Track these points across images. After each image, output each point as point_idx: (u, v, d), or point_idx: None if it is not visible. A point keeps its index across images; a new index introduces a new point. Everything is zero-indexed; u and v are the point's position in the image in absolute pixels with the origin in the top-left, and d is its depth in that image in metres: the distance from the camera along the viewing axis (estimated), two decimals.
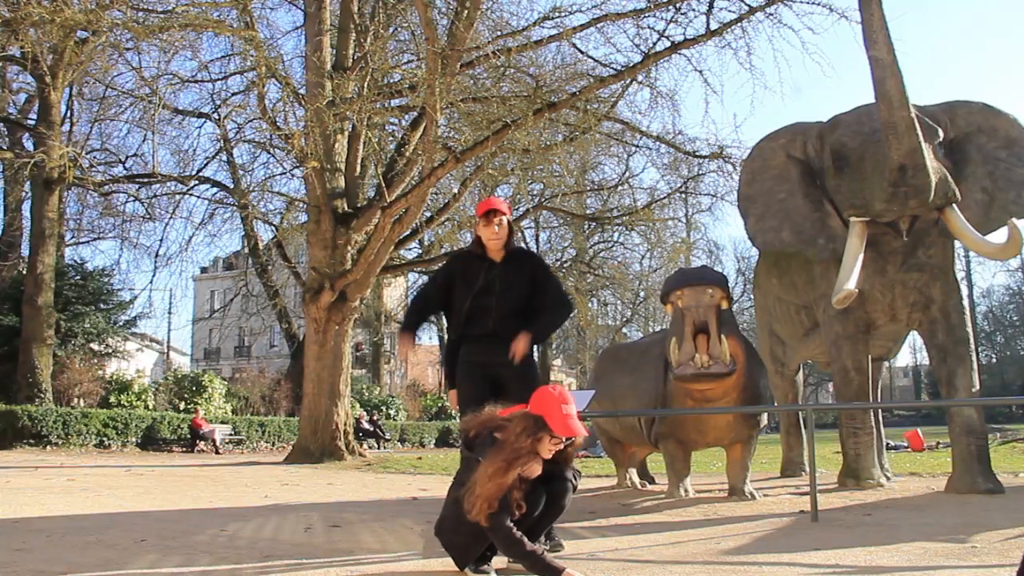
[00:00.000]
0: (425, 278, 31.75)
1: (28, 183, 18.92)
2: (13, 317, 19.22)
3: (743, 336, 6.37)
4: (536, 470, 3.01)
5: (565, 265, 24.79)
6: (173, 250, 19.92)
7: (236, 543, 4.19)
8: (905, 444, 15.03)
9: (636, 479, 7.87)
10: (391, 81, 13.71)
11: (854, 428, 6.87)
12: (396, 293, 33.20)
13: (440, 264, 22.34)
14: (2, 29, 12.20)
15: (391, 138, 16.28)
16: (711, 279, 5.96)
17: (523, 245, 19.13)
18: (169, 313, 36.58)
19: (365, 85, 11.90)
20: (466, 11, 10.69)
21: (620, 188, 19.47)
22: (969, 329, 6.64)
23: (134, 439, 17.79)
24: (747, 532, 4.51)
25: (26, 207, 20.58)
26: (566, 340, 36.43)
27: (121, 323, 23.75)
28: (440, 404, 28.44)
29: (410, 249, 19.82)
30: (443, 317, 4.09)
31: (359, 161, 14.82)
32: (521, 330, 3.78)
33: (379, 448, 20.59)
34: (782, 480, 8.38)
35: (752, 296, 10.53)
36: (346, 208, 14.09)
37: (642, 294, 28.05)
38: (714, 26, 10.86)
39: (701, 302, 5.74)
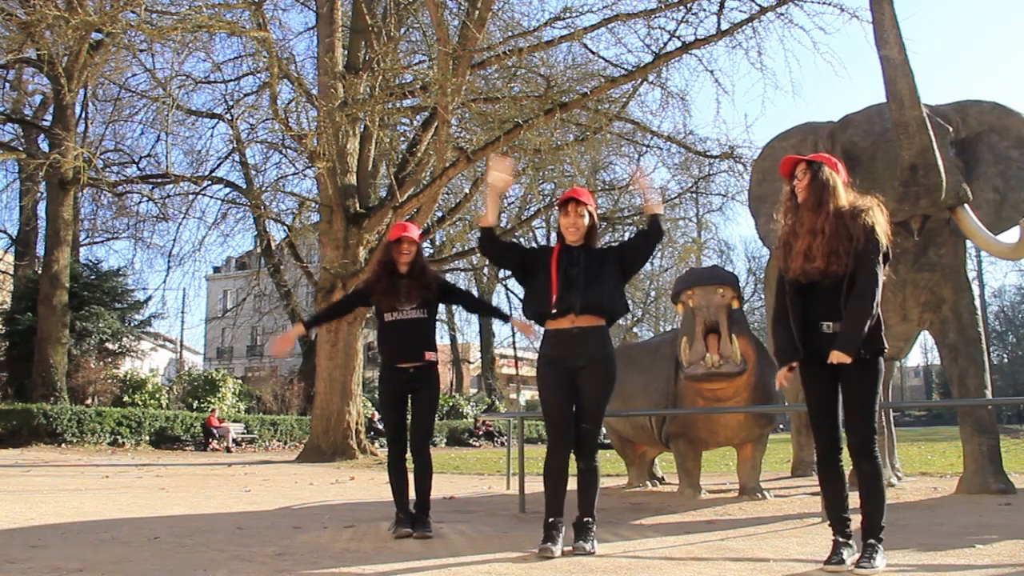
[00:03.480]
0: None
1: (43, 184, 19.11)
2: (29, 316, 19.42)
3: (754, 336, 6.37)
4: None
5: None
6: (186, 250, 20.16)
7: (249, 541, 4.21)
8: None
9: (647, 478, 7.87)
10: (403, 82, 13.76)
11: None
12: None
13: (453, 264, 22.34)
14: (18, 31, 12.34)
15: (403, 138, 16.33)
16: (722, 279, 5.96)
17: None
18: (182, 312, 36.91)
19: (377, 86, 11.95)
20: (477, 12, 10.72)
21: (631, 188, 19.43)
22: (980, 329, 6.60)
23: (147, 437, 17.94)
24: (758, 532, 4.50)
25: (41, 207, 20.81)
26: None
27: (135, 322, 23.95)
28: (451, 404, 28.49)
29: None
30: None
31: (371, 161, 14.89)
32: None
33: None
34: (793, 480, 8.35)
35: (763, 296, 10.49)
36: (358, 208, 14.16)
37: (653, 294, 27.99)
38: (725, 26, 10.83)
39: (712, 302, 5.74)
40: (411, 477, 4.44)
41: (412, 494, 4.42)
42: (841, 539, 3.27)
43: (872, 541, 3.19)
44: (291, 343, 4.67)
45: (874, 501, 3.24)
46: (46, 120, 19.82)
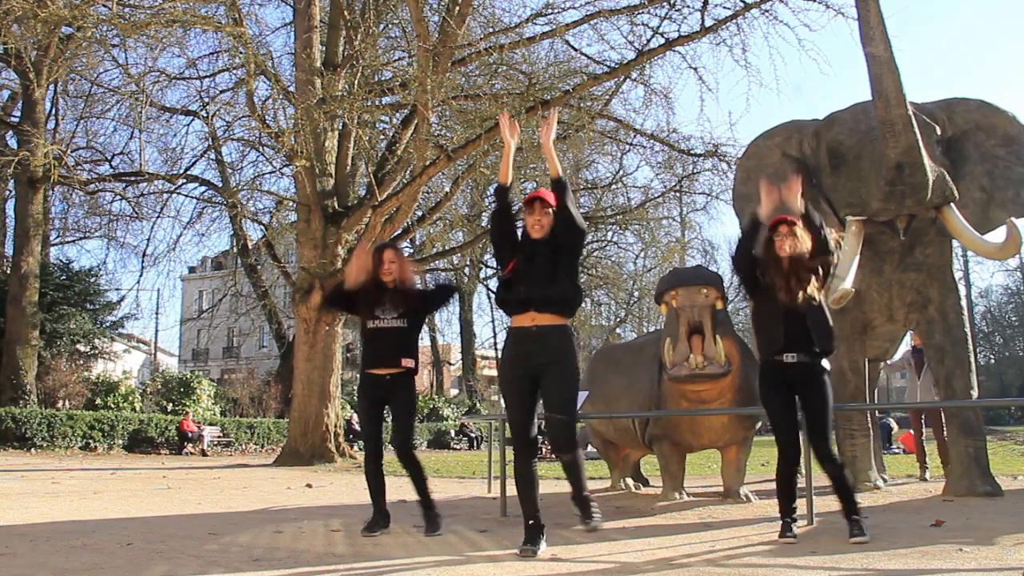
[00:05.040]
0: (416, 279, 31.51)
1: (12, 181, 18.70)
2: None
3: (738, 336, 6.32)
4: None
5: None
6: (161, 249, 19.67)
7: (224, 546, 4.13)
8: (901, 447, 15.03)
9: (630, 481, 7.79)
10: (382, 79, 13.58)
11: (850, 430, 6.82)
12: None
13: (433, 264, 22.12)
14: None
15: (382, 136, 16.15)
16: (706, 279, 5.89)
17: None
18: (157, 314, 36.40)
19: (355, 82, 11.77)
20: (458, 7, 10.61)
21: (614, 187, 19.43)
22: (967, 329, 6.59)
23: (120, 441, 17.60)
24: (742, 535, 4.47)
25: (10, 206, 20.36)
26: None
27: (108, 324, 23.53)
28: (432, 405, 28.30)
29: (401, 248, 19.64)
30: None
31: (350, 159, 14.70)
32: None
33: None
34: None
35: (747, 296, 10.40)
36: (336, 207, 13.97)
37: (636, 294, 27.94)
38: (709, 23, 10.78)
39: (696, 302, 5.66)
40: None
41: (408, 495, 4.61)
42: (789, 520, 4.12)
43: (855, 517, 3.98)
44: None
45: (844, 489, 4.05)
46: (15, 116, 19.37)
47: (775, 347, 4.15)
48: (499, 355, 4.20)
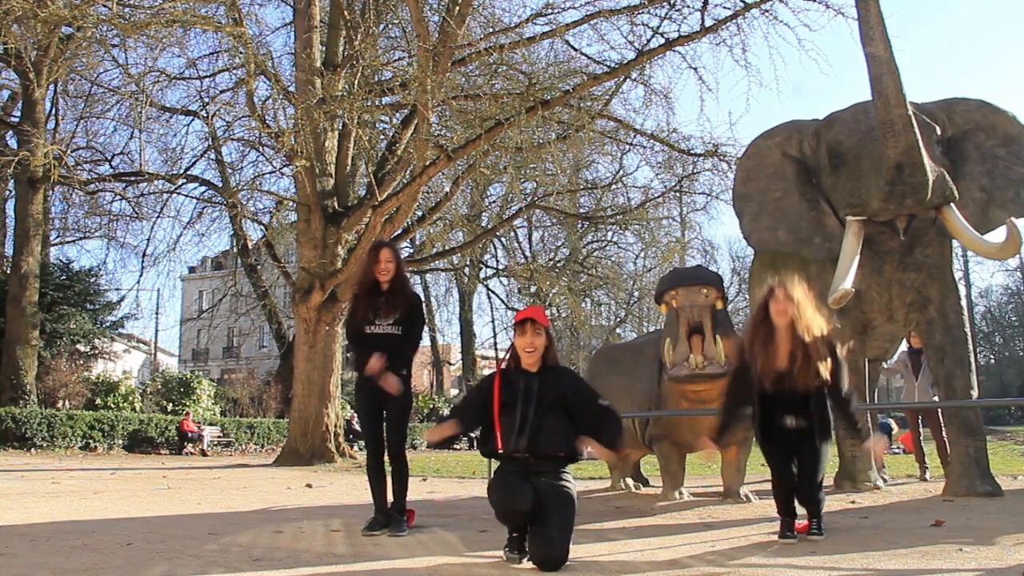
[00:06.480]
0: (417, 278, 31.62)
1: (12, 181, 18.69)
2: None
3: (738, 336, 6.30)
4: None
5: (559, 265, 24.71)
6: (161, 249, 19.67)
7: (224, 546, 4.12)
8: (901, 447, 15.03)
9: (630, 481, 7.79)
10: (382, 79, 13.57)
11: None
12: None
13: (433, 264, 22.10)
14: None
15: (382, 136, 16.14)
16: (706, 279, 5.87)
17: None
18: (156, 314, 36.30)
19: (355, 82, 11.76)
20: (458, 7, 10.60)
21: (614, 187, 19.41)
22: (967, 329, 6.58)
23: (120, 441, 17.60)
24: (742, 535, 4.46)
25: (10, 206, 20.36)
26: (559, 341, 36.33)
27: (108, 324, 23.53)
28: (432, 405, 28.29)
29: (401, 248, 19.63)
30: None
31: (350, 159, 14.70)
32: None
33: None
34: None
35: (747, 296, 10.41)
36: (336, 207, 13.97)
37: (636, 294, 27.93)
38: (709, 23, 10.77)
39: (696, 302, 5.65)
40: (389, 480, 4.56)
41: (390, 496, 4.56)
42: (788, 519, 4.16)
43: (815, 518, 4.17)
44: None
45: (816, 510, 4.19)
46: (15, 116, 19.36)
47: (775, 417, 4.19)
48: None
